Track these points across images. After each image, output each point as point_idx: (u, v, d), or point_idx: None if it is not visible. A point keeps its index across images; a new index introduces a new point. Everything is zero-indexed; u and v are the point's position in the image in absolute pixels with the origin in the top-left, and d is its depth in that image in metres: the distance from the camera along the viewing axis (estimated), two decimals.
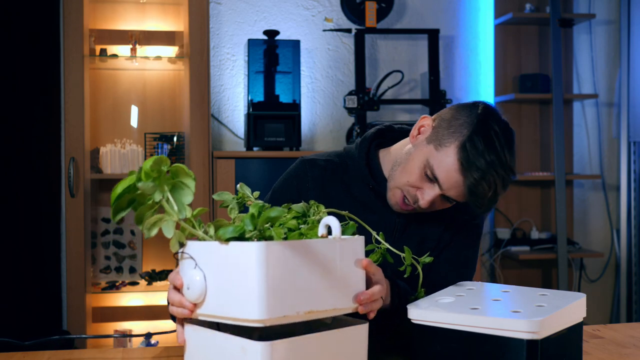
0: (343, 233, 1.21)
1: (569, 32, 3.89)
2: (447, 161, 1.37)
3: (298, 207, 1.22)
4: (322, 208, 1.22)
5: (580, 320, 1.24)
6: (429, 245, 1.53)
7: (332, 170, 1.55)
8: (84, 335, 1.72)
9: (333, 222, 1.10)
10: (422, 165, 1.40)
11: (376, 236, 1.30)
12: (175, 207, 1.05)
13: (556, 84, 3.60)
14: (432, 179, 1.39)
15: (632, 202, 3.90)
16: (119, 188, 1.01)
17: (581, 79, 3.98)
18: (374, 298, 1.15)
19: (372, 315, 1.16)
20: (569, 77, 3.91)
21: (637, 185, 3.91)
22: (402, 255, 1.30)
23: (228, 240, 1.03)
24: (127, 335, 1.42)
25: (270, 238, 1.08)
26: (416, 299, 1.32)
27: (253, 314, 0.99)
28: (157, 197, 1.03)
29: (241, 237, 1.04)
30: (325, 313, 1.07)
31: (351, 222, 1.25)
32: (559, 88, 3.61)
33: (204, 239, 1.07)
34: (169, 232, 1.05)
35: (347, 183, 1.54)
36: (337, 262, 1.08)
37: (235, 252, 1.01)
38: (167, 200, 1.05)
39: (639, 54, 3.82)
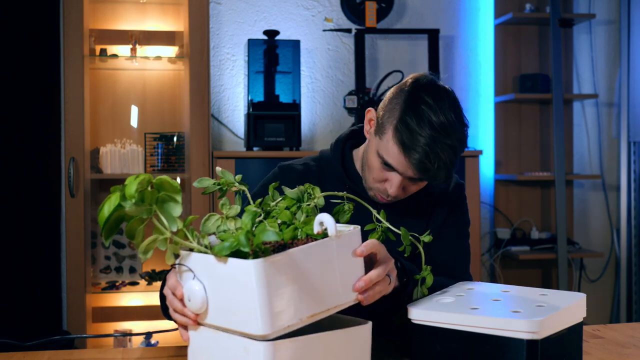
0: (340, 218, 1.21)
1: (569, 32, 3.89)
2: (389, 147, 1.40)
3: (292, 193, 1.21)
4: (318, 192, 1.22)
5: (580, 320, 1.24)
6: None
7: (309, 173, 1.59)
8: (84, 335, 1.72)
9: (327, 219, 1.10)
10: (377, 158, 1.44)
11: (377, 215, 1.30)
12: (165, 222, 1.03)
13: (556, 84, 3.60)
14: (390, 167, 1.42)
15: (632, 202, 3.90)
16: (105, 210, 0.98)
17: (581, 79, 3.98)
18: (373, 282, 1.14)
19: (370, 299, 1.14)
20: (569, 77, 3.91)
21: (637, 185, 3.91)
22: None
23: (225, 256, 1.02)
24: (127, 334, 1.42)
25: (267, 251, 1.07)
26: (422, 278, 1.31)
27: (256, 329, 0.99)
28: (145, 215, 1.01)
29: (238, 251, 1.03)
30: (328, 312, 1.07)
31: (348, 205, 1.25)
32: (559, 88, 3.61)
33: (199, 251, 1.07)
34: (163, 246, 1.04)
35: (324, 185, 1.56)
36: (334, 261, 1.08)
37: (233, 269, 1.01)
38: (157, 216, 1.03)
39: (639, 54, 3.82)
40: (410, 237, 1.30)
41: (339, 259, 1.09)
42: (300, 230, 1.11)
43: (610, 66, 4.01)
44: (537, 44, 3.90)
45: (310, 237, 1.10)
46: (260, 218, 1.19)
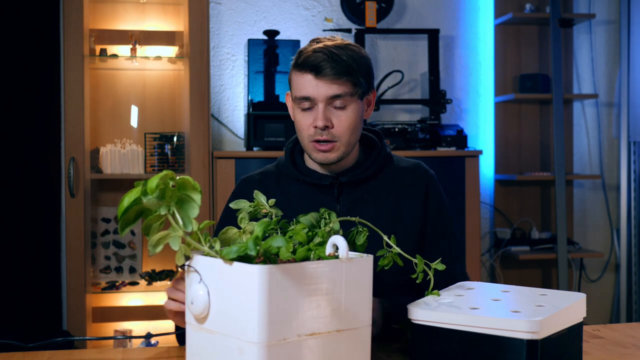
0: (353, 242, 1.21)
1: (569, 32, 3.89)
2: (293, 82, 1.53)
3: (306, 219, 1.22)
4: (334, 217, 1.23)
5: (580, 320, 1.24)
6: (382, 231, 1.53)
7: (267, 179, 1.63)
8: (87, 337, 1.73)
9: (340, 241, 1.10)
10: (295, 108, 1.54)
11: (387, 240, 1.29)
12: (181, 222, 1.04)
13: (556, 84, 3.60)
14: (307, 103, 1.51)
15: (632, 202, 3.90)
16: (125, 201, 1.00)
17: (581, 79, 3.98)
18: None
19: None
20: (569, 77, 3.91)
21: (637, 185, 3.91)
22: (414, 261, 1.29)
23: (232, 260, 1.02)
24: (129, 337, 1.43)
25: (275, 259, 1.07)
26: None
27: (253, 337, 0.99)
28: (163, 211, 1.03)
29: (246, 256, 1.04)
30: (329, 335, 1.06)
31: (363, 229, 1.25)
32: (559, 88, 3.61)
33: (209, 254, 1.07)
34: (175, 245, 1.05)
35: (284, 186, 1.61)
36: (342, 284, 1.07)
37: (238, 273, 1.01)
38: (173, 215, 1.04)
39: (639, 54, 3.82)
40: (423, 264, 1.29)
41: (347, 283, 1.08)
42: (313, 252, 1.12)
43: (610, 66, 4.01)
44: (537, 44, 3.90)
45: (322, 260, 1.11)
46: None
